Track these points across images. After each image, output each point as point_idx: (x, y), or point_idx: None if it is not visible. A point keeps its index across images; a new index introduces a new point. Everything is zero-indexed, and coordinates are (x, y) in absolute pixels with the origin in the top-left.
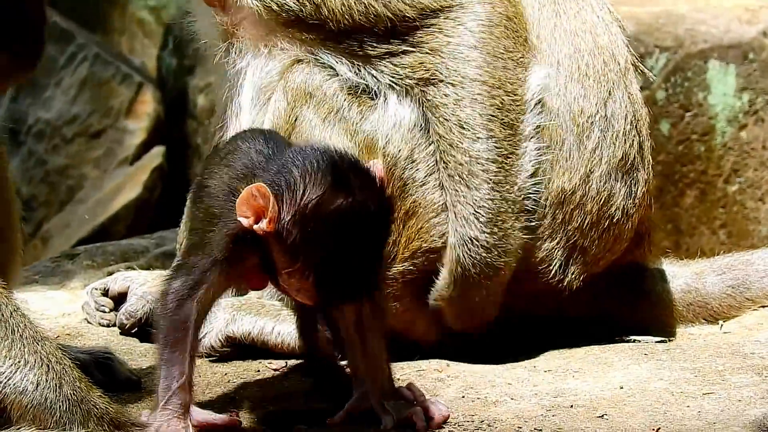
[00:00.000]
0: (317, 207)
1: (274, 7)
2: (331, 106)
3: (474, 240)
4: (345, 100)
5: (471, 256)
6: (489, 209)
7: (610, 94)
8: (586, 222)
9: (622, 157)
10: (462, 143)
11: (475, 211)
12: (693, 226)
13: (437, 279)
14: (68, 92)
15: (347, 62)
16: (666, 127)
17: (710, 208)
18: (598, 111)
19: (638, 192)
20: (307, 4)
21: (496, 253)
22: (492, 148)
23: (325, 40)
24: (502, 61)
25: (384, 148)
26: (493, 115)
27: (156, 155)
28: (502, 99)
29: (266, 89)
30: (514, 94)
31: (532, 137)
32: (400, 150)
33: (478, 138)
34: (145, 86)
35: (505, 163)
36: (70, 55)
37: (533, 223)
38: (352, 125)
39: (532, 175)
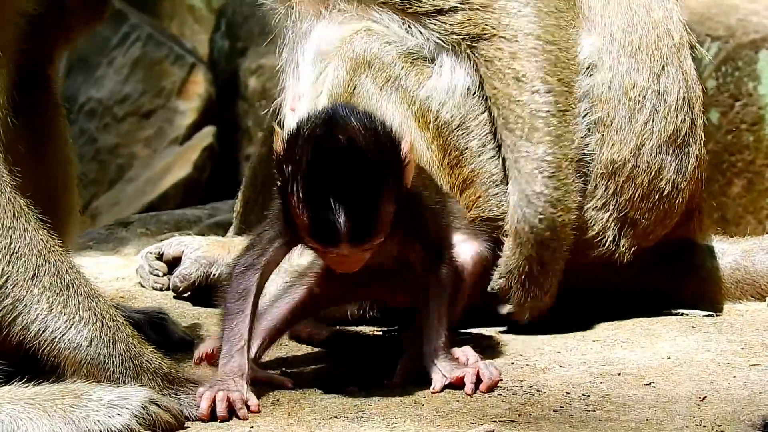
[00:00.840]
0: (304, 142)
1: None
2: (389, 75)
3: (539, 195)
4: (402, 68)
5: (538, 212)
6: (551, 163)
7: (663, 69)
8: (637, 194)
9: (674, 131)
10: (521, 96)
11: (538, 165)
12: (740, 216)
13: (500, 252)
14: (120, 72)
15: (398, 19)
16: (715, 116)
17: (757, 198)
18: (650, 85)
19: (689, 167)
20: None
21: (561, 208)
22: (551, 102)
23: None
24: (555, 19)
25: (437, 113)
26: (549, 69)
27: (206, 135)
28: (557, 55)
29: (326, 55)
30: (567, 52)
31: (584, 98)
32: (452, 116)
33: (537, 90)
34: (197, 67)
35: (564, 118)
36: (123, 35)
37: (587, 186)
38: (408, 93)
39: (585, 136)
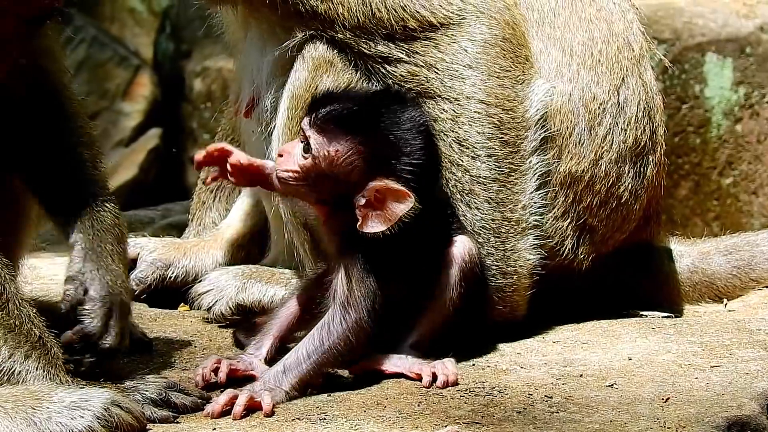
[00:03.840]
0: None
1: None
2: (351, 78)
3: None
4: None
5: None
6: (488, 229)
7: (623, 81)
8: (595, 202)
9: (634, 142)
10: (462, 160)
11: (473, 230)
12: (687, 218)
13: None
14: None
15: (348, 50)
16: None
17: (704, 200)
18: (610, 98)
19: (648, 174)
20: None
21: (497, 272)
22: (493, 167)
23: (328, 29)
24: (499, 80)
25: None
26: (492, 134)
27: (152, 137)
28: (501, 117)
29: (286, 64)
30: (513, 112)
31: (536, 151)
32: None
33: (478, 156)
34: (143, 69)
35: (507, 182)
36: (67, 37)
37: (543, 241)
38: None
39: (539, 188)
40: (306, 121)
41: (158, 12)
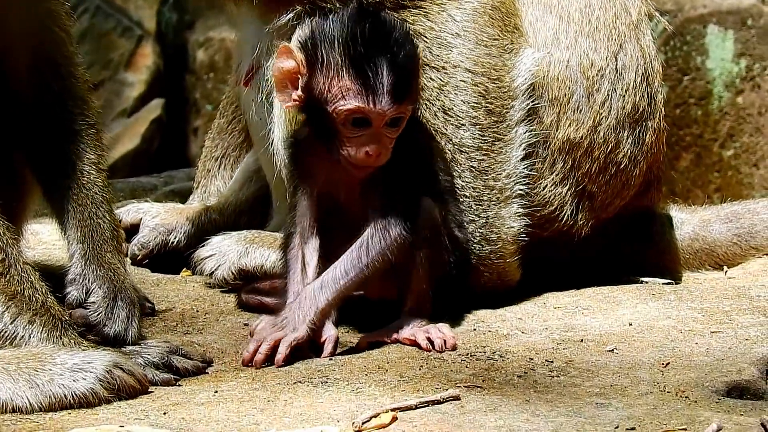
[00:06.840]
0: (338, 24)
1: None
2: None
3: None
4: None
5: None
6: (469, 197)
7: (621, 48)
8: (594, 168)
9: (632, 108)
10: (446, 129)
11: (455, 198)
12: (687, 189)
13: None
14: None
15: None
16: (664, 90)
17: (705, 172)
18: (608, 64)
19: (647, 140)
20: None
21: (481, 239)
22: (476, 136)
23: (319, 1)
24: (486, 49)
25: None
26: (477, 103)
27: (155, 107)
28: (486, 86)
29: (286, 33)
30: (500, 81)
31: (522, 121)
32: None
33: (462, 125)
34: (146, 39)
35: (491, 151)
36: (71, 6)
37: (529, 210)
38: None
39: (524, 159)
40: (387, 103)
41: None
